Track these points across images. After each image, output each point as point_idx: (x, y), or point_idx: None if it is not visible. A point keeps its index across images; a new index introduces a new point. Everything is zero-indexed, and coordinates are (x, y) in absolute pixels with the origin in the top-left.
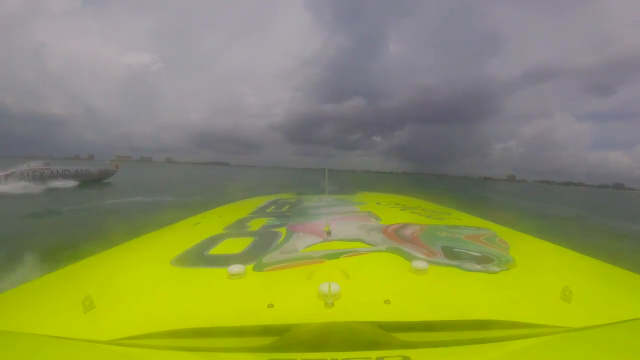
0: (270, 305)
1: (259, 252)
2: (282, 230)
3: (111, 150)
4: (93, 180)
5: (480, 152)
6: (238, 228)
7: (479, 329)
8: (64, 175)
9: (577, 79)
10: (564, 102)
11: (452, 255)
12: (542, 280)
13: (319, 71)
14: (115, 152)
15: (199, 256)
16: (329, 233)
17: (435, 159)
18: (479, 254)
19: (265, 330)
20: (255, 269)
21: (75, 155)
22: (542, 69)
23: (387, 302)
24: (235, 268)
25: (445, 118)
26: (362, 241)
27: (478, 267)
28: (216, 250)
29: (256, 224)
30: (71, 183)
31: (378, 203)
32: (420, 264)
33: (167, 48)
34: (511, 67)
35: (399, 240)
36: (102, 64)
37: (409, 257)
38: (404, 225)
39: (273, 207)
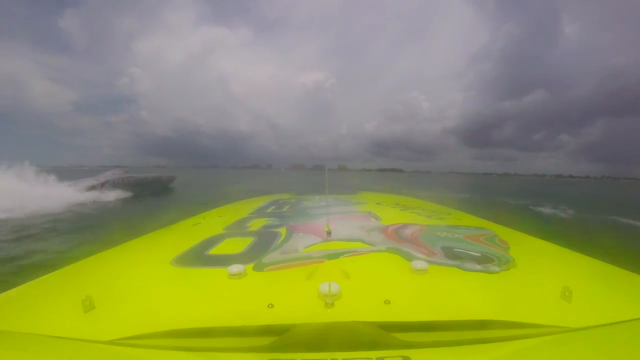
0: (271, 305)
1: (259, 252)
2: (282, 231)
3: (289, 160)
4: (162, 185)
5: None
6: (238, 228)
7: (479, 329)
8: (145, 182)
9: None
10: None
11: (452, 255)
12: (542, 280)
13: (491, 66)
14: (292, 161)
15: (199, 256)
16: (329, 233)
17: (634, 158)
18: (478, 254)
19: (265, 330)
20: (255, 269)
21: (254, 164)
22: None
23: (387, 302)
24: (235, 268)
25: None
26: (362, 241)
27: (478, 267)
28: (216, 250)
29: (256, 224)
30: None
31: (378, 203)
32: (420, 264)
33: (337, 64)
34: None
35: (399, 240)
36: (280, 86)
37: (409, 257)
38: (404, 226)
39: (273, 207)
